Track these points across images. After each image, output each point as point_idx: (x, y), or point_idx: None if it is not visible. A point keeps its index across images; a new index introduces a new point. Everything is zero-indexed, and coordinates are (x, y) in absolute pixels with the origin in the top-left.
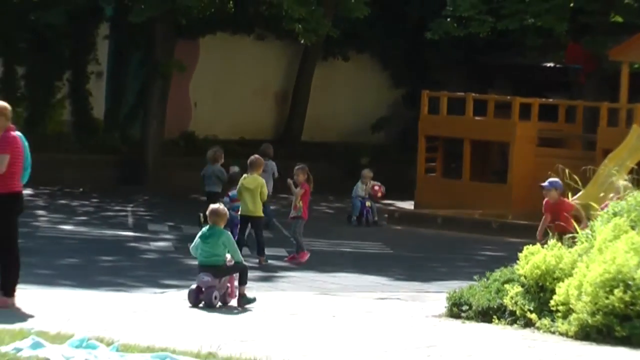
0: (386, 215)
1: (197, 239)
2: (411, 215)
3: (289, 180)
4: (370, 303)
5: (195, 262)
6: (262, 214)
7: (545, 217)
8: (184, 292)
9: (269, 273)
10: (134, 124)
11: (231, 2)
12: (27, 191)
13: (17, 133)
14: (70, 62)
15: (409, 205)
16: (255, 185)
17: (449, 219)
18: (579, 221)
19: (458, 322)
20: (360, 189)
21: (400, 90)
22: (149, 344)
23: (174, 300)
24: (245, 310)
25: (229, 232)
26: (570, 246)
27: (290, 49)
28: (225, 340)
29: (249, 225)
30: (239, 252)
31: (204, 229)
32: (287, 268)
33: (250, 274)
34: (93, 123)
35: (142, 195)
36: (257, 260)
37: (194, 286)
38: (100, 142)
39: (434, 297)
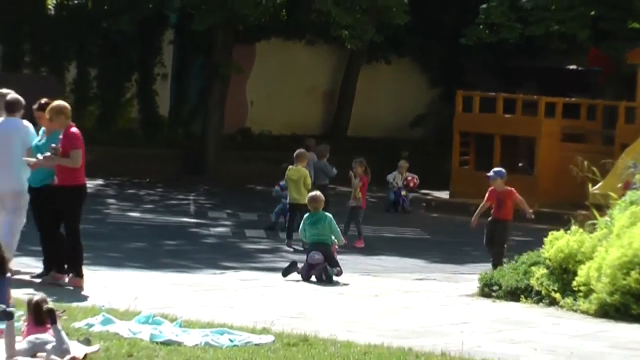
0: (424, 204)
1: (303, 224)
2: (446, 203)
3: (350, 173)
4: (409, 283)
5: (250, 246)
6: (306, 201)
7: (484, 203)
8: (241, 273)
9: None
10: (195, 121)
11: (284, 11)
12: (98, 181)
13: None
14: (138, 64)
15: (444, 194)
16: (298, 176)
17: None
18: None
19: (489, 300)
20: (397, 178)
21: (437, 90)
22: (209, 320)
23: (232, 280)
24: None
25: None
26: (591, 232)
27: (337, 53)
28: (278, 317)
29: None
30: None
31: (309, 214)
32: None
33: (298, 257)
34: (159, 120)
35: (203, 185)
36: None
37: (302, 264)
38: (165, 137)
39: (467, 278)
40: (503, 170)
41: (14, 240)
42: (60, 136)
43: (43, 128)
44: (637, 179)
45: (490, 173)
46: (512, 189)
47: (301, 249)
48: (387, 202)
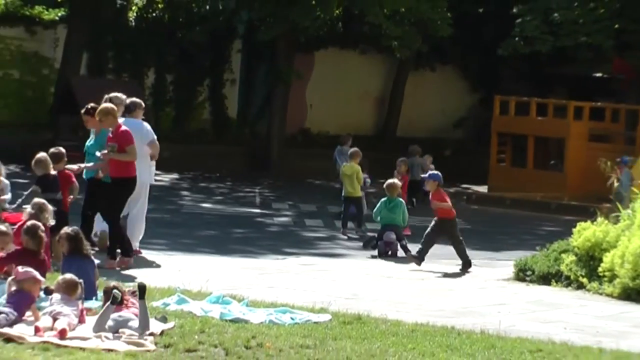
0: (464, 197)
1: (378, 208)
2: (485, 197)
3: (395, 171)
4: (452, 268)
5: (309, 234)
6: (359, 194)
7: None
8: (301, 258)
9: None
10: (261, 122)
11: (340, 23)
12: (174, 175)
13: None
14: (209, 71)
15: (483, 188)
16: (352, 171)
17: (515, 200)
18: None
19: (523, 284)
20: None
21: (477, 95)
22: (273, 300)
23: (293, 264)
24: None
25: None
26: (615, 223)
27: (387, 61)
28: (334, 298)
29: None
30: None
31: (385, 199)
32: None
33: (352, 244)
34: (228, 121)
35: (267, 179)
36: (360, 234)
37: (381, 242)
38: (233, 136)
39: (503, 264)
40: (438, 173)
41: (142, 226)
42: (110, 134)
43: (93, 130)
44: (625, 171)
45: (425, 175)
46: (441, 190)
47: (355, 236)
48: None
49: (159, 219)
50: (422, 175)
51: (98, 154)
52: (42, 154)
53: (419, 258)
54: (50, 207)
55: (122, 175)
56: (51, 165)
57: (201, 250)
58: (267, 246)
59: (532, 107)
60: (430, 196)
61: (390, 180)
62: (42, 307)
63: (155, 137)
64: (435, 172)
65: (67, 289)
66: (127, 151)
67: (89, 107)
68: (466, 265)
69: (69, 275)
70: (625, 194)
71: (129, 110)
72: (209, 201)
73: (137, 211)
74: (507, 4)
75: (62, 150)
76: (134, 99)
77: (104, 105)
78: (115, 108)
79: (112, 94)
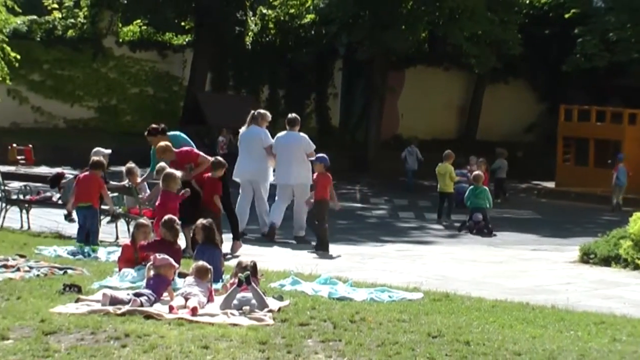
0: (535, 192)
1: (468, 194)
2: (552, 191)
3: (468, 166)
4: (526, 253)
5: (403, 225)
6: (451, 190)
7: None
8: (397, 245)
9: (454, 232)
10: (359, 130)
11: (426, 44)
12: None
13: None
14: (315, 86)
15: (550, 184)
16: (445, 171)
17: (579, 194)
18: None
19: (587, 266)
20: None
21: (544, 105)
22: (373, 281)
23: (389, 250)
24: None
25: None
26: None
27: (467, 76)
28: (425, 279)
29: (446, 198)
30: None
31: (472, 187)
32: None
33: (439, 232)
34: (331, 129)
35: (366, 178)
36: (446, 223)
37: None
38: (336, 142)
39: (570, 248)
40: (325, 156)
41: (304, 218)
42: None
43: (153, 147)
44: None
45: (313, 158)
46: (327, 174)
47: (447, 224)
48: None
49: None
50: (311, 158)
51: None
52: (161, 164)
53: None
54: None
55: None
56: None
57: (311, 239)
58: (367, 235)
59: (592, 114)
60: (314, 177)
61: (476, 172)
62: (176, 289)
63: (272, 142)
64: (323, 155)
65: (199, 274)
66: (200, 162)
67: (150, 128)
68: (323, 246)
69: (201, 262)
70: (620, 187)
71: (291, 125)
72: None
73: (263, 204)
74: (569, 26)
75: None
76: (260, 110)
77: (161, 144)
78: (169, 144)
79: (258, 110)
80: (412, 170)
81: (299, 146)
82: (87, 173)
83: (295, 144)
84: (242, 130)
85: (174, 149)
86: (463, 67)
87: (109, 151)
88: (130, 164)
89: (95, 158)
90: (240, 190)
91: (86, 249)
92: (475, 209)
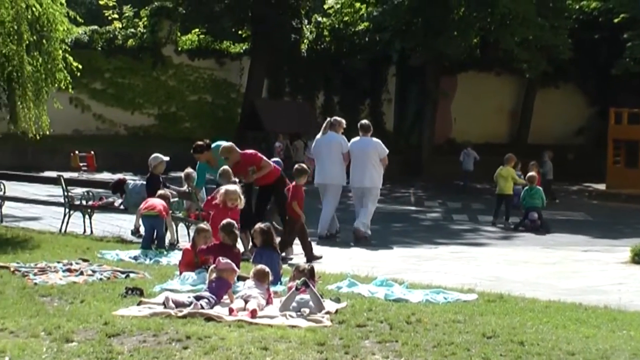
0: (586, 194)
1: (524, 195)
2: (603, 193)
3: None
4: (578, 254)
5: (456, 227)
6: (511, 192)
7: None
8: (451, 247)
9: (507, 234)
10: (413, 134)
11: (478, 50)
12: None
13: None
14: (369, 92)
15: (601, 186)
16: (507, 174)
17: (630, 195)
18: None
19: (638, 266)
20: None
21: (595, 108)
22: (428, 282)
23: (444, 252)
24: (492, 258)
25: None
26: None
27: (518, 81)
28: (479, 280)
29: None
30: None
31: (527, 188)
32: (519, 230)
33: (493, 234)
34: (386, 133)
35: (420, 182)
36: (501, 225)
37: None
38: (390, 146)
39: (622, 249)
40: (279, 160)
41: (369, 220)
42: (239, 164)
43: (200, 163)
44: None
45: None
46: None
47: (502, 226)
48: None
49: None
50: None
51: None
52: (225, 167)
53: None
54: (236, 190)
55: (267, 183)
56: (232, 175)
57: (371, 238)
58: (421, 237)
59: None
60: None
61: (530, 173)
62: (236, 292)
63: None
64: (277, 158)
65: (258, 277)
66: (263, 166)
67: (196, 145)
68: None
69: (260, 265)
70: None
71: (365, 131)
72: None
73: (329, 206)
74: (618, 30)
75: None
76: (335, 117)
77: (224, 145)
78: (233, 145)
79: (334, 118)
80: (468, 172)
81: (374, 151)
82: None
83: (371, 149)
84: (319, 136)
85: (239, 151)
86: (514, 71)
87: (167, 158)
88: (189, 170)
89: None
90: (321, 195)
91: (151, 253)
92: (530, 208)
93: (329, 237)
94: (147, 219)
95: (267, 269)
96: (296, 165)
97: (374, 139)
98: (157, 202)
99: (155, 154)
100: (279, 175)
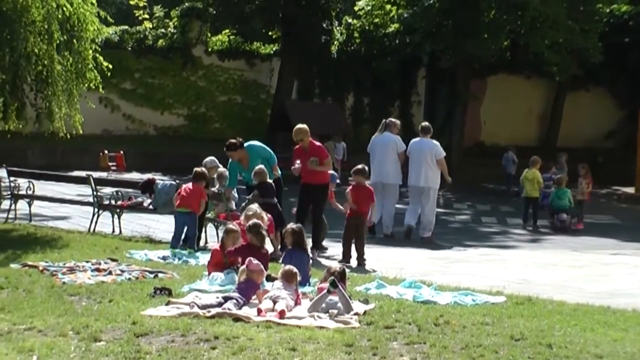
0: (615, 197)
1: (552, 196)
2: (632, 197)
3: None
4: (606, 257)
5: (485, 229)
6: (537, 195)
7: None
8: (480, 250)
9: (536, 236)
10: (442, 136)
11: (508, 53)
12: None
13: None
14: (399, 94)
15: (630, 189)
16: (532, 177)
17: None
18: None
19: None
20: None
21: (625, 111)
22: (456, 284)
23: (472, 254)
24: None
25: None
26: None
27: (548, 84)
28: (508, 282)
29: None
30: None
31: (555, 190)
32: (548, 233)
33: (521, 237)
34: (415, 136)
35: (449, 184)
36: (530, 228)
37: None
38: None
39: None
40: (334, 173)
41: (433, 220)
42: (304, 150)
43: (231, 161)
44: None
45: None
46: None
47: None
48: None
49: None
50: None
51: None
52: (260, 166)
53: (346, 261)
54: (260, 215)
55: (315, 182)
56: (267, 175)
57: (395, 243)
58: (450, 239)
59: None
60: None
61: (559, 176)
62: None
63: (404, 148)
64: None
65: (287, 278)
66: (325, 163)
67: (228, 143)
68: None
69: (288, 266)
70: None
71: (425, 132)
72: (400, 202)
73: (390, 205)
74: None
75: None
76: (391, 119)
77: (300, 125)
78: (306, 128)
79: (390, 119)
80: (509, 175)
81: (431, 152)
82: (190, 185)
83: (429, 150)
84: (375, 136)
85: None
86: (544, 75)
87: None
88: (221, 169)
89: (197, 169)
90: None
91: (181, 251)
92: (558, 209)
93: (391, 237)
94: (180, 215)
95: (295, 270)
96: (360, 166)
97: (433, 140)
98: (191, 198)
99: (210, 158)
100: (328, 180)
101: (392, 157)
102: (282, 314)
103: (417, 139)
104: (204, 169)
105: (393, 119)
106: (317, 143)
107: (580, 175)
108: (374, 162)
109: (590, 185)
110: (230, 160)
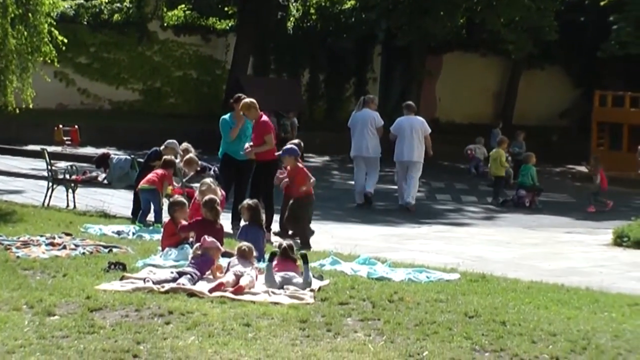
0: (569, 175)
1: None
2: (586, 175)
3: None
4: (560, 236)
5: (440, 207)
6: (502, 174)
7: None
8: (434, 227)
9: (490, 214)
10: (397, 113)
11: (464, 30)
12: (325, 158)
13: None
14: (354, 71)
15: (584, 169)
16: (497, 155)
17: (613, 178)
18: None
19: (620, 249)
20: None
21: (579, 90)
22: (411, 261)
23: (427, 232)
24: (475, 238)
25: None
26: None
27: (504, 62)
28: (462, 260)
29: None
30: None
31: (522, 166)
32: (502, 211)
33: (476, 215)
34: None
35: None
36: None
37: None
38: None
39: (603, 232)
40: (294, 147)
41: (414, 191)
42: (252, 123)
43: (229, 113)
44: None
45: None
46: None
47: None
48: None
49: (314, 194)
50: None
51: (247, 145)
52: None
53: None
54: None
55: (264, 159)
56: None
57: (350, 219)
58: (405, 216)
59: (626, 100)
60: (287, 172)
61: (527, 153)
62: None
63: (382, 123)
64: (291, 146)
65: (243, 254)
66: (265, 140)
67: (236, 96)
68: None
69: (244, 243)
70: None
71: (409, 110)
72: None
73: (373, 177)
74: (604, 13)
75: None
76: (369, 95)
77: (247, 99)
78: (255, 102)
79: (368, 96)
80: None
81: (422, 128)
82: (159, 170)
83: (420, 127)
84: (354, 112)
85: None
86: (500, 53)
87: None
88: (191, 154)
89: (167, 157)
90: (354, 166)
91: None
92: (520, 185)
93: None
94: (144, 192)
95: (251, 246)
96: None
97: (419, 117)
98: (158, 181)
99: (171, 140)
100: (273, 157)
101: (372, 131)
102: (238, 290)
103: (404, 116)
104: (172, 157)
105: (371, 96)
106: (264, 118)
107: (587, 170)
108: (354, 136)
109: (602, 177)
110: (226, 116)
